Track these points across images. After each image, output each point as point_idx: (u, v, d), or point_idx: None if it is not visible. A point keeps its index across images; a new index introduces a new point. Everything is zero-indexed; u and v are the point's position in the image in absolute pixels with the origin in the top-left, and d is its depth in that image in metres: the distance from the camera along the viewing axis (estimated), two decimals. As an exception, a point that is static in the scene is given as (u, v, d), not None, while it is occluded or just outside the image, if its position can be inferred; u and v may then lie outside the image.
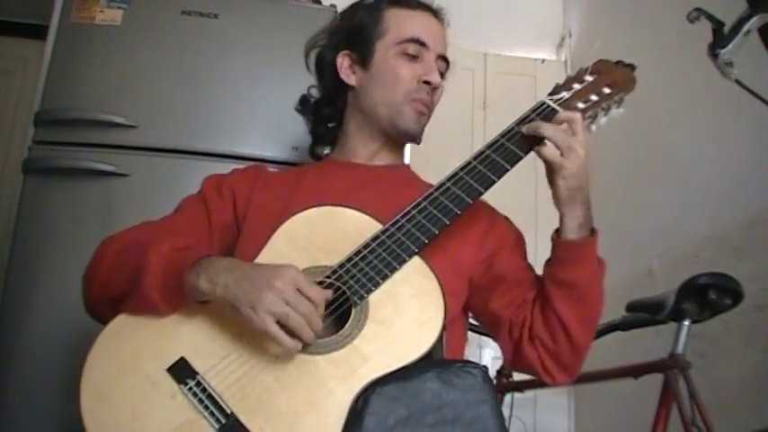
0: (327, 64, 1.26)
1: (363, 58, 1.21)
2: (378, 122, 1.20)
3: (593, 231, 1.03)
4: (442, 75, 1.23)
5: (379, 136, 1.22)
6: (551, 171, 1.01)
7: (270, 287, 0.84)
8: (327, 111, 1.29)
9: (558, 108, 1.05)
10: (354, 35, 1.23)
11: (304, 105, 1.34)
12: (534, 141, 1.02)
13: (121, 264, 0.98)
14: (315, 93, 1.33)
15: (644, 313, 1.72)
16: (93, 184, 1.79)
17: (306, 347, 0.88)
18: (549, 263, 1.05)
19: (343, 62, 1.23)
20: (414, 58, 1.18)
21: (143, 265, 0.93)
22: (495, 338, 1.14)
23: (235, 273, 0.88)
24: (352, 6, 1.28)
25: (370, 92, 1.21)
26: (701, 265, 1.85)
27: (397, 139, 1.22)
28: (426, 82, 1.18)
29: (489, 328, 1.14)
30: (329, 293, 0.90)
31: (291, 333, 0.84)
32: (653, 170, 2.35)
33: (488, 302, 1.10)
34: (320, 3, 2.08)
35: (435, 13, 1.25)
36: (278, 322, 0.84)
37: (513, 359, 1.09)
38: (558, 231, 1.03)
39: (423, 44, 1.18)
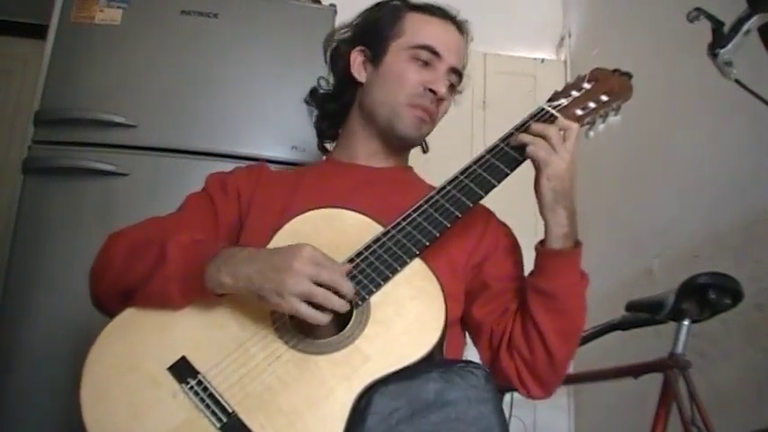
0: (341, 58, 1.25)
1: (375, 56, 1.20)
2: (376, 122, 1.20)
3: (577, 244, 1.03)
4: (454, 87, 1.23)
5: (378, 137, 1.21)
6: (537, 171, 1.01)
7: (290, 269, 0.85)
8: (332, 105, 1.29)
9: (557, 114, 1.06)
10: (371, 32, 1.22)
11: (312, 97, 1.33)
12: None
13: (135, 258, 0.98)
14: (324, 85, 1.33)
15: (643, 313, 1.71)
16: (92, 184, 1.79)
17: (309, 348, 0.89)
18: (531, 272, 1.05)
19: (356, 58, 1.23)
20: (425, 64, 1.17)
21: (162, 257, 0.93)
22: (475, 344, 1.13)
23: (256, 263, 0.88)
24: (375, 5, 1.27)
25: (374, 90, 1.20)
26: (700, 264, 1.85)
27: (394, 142, 1.21)
28: (432, 91, 1.16)
29: (471, 334, 1.14)
30: (348, 266, 0.92)
31: (321, 308, 0.86)
32: (652, 170, 2.35)
33: (471, 308, 1.10)
34: (320, 2, 2.08)
35: (457, 25, 1.23)
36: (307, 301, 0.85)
37: (491, 369, 1.06)
38: (542, 242, 1.03)
39: (435, 53, 1.17)
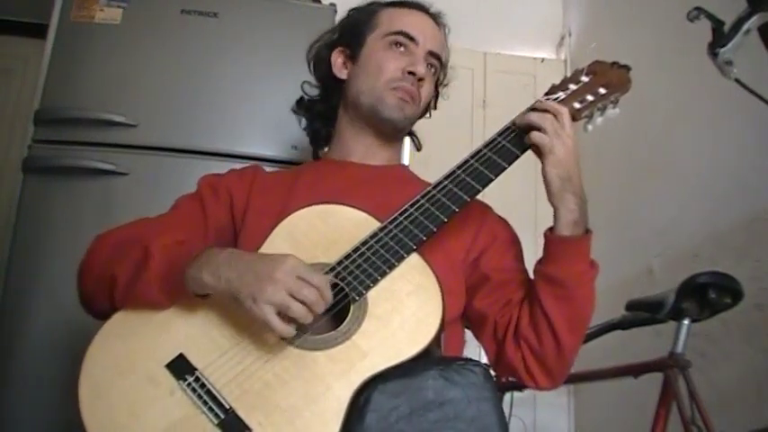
0: (323, 61, 1.28)
1: (354, 52, 1.23)
2: (361, 111, 1.21)
3: (587, 231, 1.02)
4: (436, 71, 1.25)
5: (368, 129, 1.22)
6: (542, 160, 1.01)
7: (270, 278, 0.85)
8: (321, 107, 1.31)
9: (555, 104, 1.05)
10: (348, 32, 1.26)
11: (299, 104, 1.35)
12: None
13: (119, 258, 0.98)
14: (309, 91, 1.34)
15: (644, 312, 1.71)
16: (92, 183, 1.79)
17: (306, 344, 0.89)
18: (540, 260, 1.04)
19: (337, 58, 1.26)
20: (402, 51, 1.20)
21: (144, 257, 0.93)
22: (478, 338, 1.13)
23: (237, 266, 0.89)
24: (350, 10, 1.30)
25: (355, 82, 1.22)
26: (700, 264, 1.85)
27: (381, 129, 1.21)
28: (411, 73, 1.18)
29: (473, 328, 1.13)
30: (329, 278, 0.91)
31: (292, 320, 0.85)
32: (652, 169, 2.35)
33: (473, 301, 1.10)
34: (319, 2, 2.08)
35: (432, 15, 1.26)
36: (279, 312, 0.85)
37: (496, 360, 1.08)
38: (551, 229, 1.03)
39: (411, 38, 1.20)
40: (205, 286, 0.90)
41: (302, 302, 0.85)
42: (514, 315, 1.05)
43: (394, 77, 1.18)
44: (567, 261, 1.01)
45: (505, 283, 1.09)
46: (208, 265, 0.90)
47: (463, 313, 1.12)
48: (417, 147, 1.35)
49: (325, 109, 1.30)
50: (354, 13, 1.28)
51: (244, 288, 0.86)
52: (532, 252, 1.14)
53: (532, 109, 1.05)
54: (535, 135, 1.01)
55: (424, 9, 1.26)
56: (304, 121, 1.36)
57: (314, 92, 1.33)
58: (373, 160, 1.23)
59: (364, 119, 1.21)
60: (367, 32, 1.23)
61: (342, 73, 1.25)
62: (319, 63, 1.29)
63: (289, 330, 0.85)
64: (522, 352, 1.03)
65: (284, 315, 0.85)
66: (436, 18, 1.27)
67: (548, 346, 1.01)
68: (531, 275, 1.07)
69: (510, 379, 2.05)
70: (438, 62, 1.24)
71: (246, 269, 0.88)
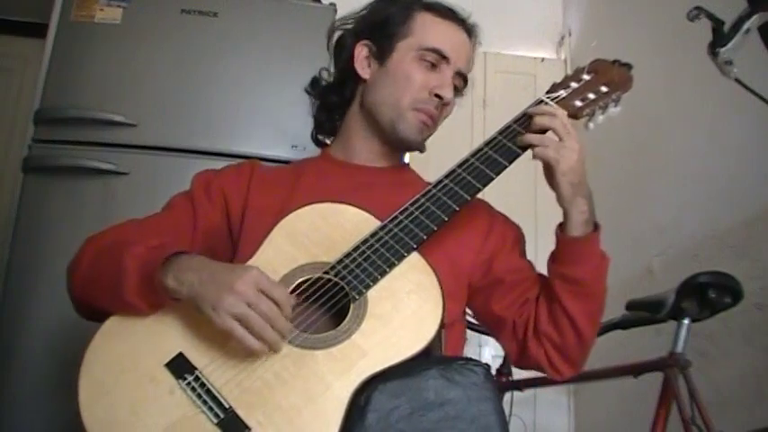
0: (345, 50, 1.22)
1: (381, 53, 1.17)
2: (378, 122, 1.17)
3: (596, 226, 1.03)
4: (459, 91, 1.20)
5: (379, 138, 1.19)
6: (549, 170, 1.01)
7: (230, 289, 0.84)
8: (333, 98, 1.25)
9: (554, 105, 1.05)
10: (379, 28, 1.19)
11: (313, 87, 1.29)
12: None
13: (99, 266, 0.98)
14: (325, 75, 1.29)
15: (644, 312, 1.72)
16: (92, 183, 1.80)
17: (306, 342, 0.88)
18: (555, 260, 1.04)
19: (360, 52, 1.20)
20: (432, 66, 1.15)
21: (119, 270, 0.92)
22: (498, 339, 1.14)
23: (201, 272, 0.88)
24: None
25: (378, 89, 1.17)
26: (700, 263, 1.85)
27: (395, 143, 1.18)
28: (438, 96, 1.14)
29: (492, 329, 1.14)
30: (292, 298, 0.90)
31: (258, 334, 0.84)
32: (652, 169, 2.35)
33: (489, 304, 1.10)
34: (320, 1, 2.08)
35: (467, 29, 1.20)
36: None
37: (519, 358, 1.09)
38: (561, 227, 1.03)
39: (444, 57, 1.14)
40: (169, 290, 0.89)
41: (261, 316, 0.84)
42: (532, 313, 1.06)
43: (419, 98, 1.13)
44: (582, 261, 1.02)
45: (519, 282, 1.10)
46: (173, 269, 0.89)
47: (480, 317, 1.14)
48: (420, 150, 1.32)
49: (336, 100, 1.24)
50: (390, 6, 1.19)
51: (205, 294, 0.86)
52: (532, 248, 1.17)
53: (530, 115, 1.05)
54: (539, 152, 1.00)
55: (460, 20, 1.19)
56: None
57: (327, 75, 1.28)
58: (377, 162, 1.21)
59: (379, 129, 1.17)
60: (399, 37, 1.16)
61: (364, 71, 1.19)
62: (340, 49, 1.23)
63: (252, 341, 0.84)
64: (544, 347, 1.05)
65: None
66: (470, 30, 1.21)
67: (570, 340, 1.03)
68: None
69: (510, 378, 2.06)
70: (463, 82, 1.20)
71: (209, 277, 0.87)
